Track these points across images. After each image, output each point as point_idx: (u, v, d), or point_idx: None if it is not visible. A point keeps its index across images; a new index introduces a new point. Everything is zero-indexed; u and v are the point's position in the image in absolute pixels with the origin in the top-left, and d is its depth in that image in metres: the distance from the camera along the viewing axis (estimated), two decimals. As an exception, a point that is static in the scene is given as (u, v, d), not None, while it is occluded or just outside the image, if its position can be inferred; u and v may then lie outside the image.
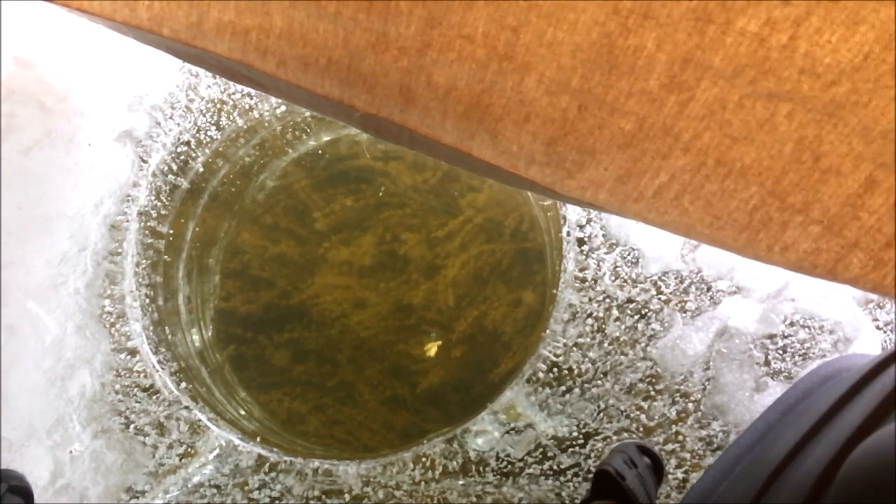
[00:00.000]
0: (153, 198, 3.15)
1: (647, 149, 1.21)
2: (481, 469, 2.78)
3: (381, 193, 3.37)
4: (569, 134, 1.25)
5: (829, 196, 1.15)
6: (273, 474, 2.82)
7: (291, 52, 1.37)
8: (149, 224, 3.14)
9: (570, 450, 2.76)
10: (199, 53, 1.49)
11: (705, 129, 1.16)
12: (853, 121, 1.09)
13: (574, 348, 2.84)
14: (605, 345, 2.83)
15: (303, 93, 1.44)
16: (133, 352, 2.95)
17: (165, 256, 3.22)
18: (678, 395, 2.77)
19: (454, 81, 1.27)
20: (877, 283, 1.19)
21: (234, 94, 3.25)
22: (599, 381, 2.80)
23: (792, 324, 2.80)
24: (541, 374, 2.83)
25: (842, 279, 1.22)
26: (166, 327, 3.15)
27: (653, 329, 2.83)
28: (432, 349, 3.20)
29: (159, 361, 2.98)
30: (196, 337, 3.30)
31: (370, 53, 1.30)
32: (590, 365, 2.82)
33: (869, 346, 2.78)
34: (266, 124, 3.35)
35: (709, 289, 2.86)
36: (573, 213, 2.97)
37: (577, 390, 2.81)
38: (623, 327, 2.85)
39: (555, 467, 2.76)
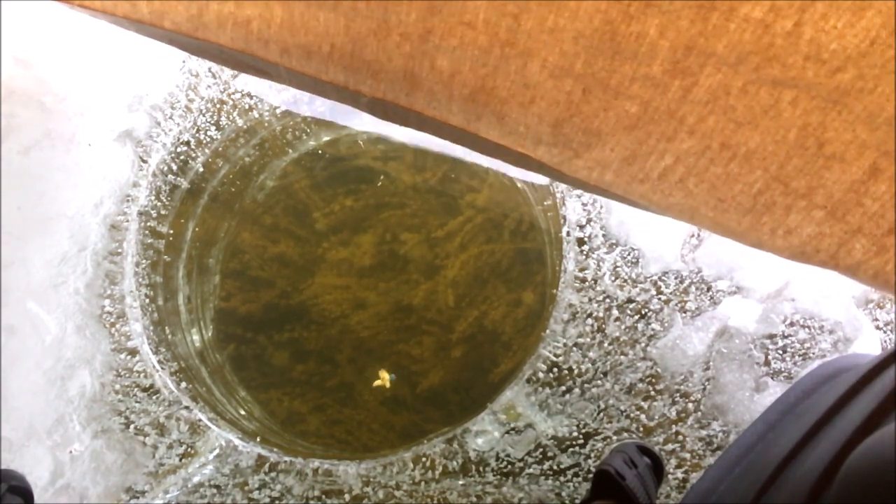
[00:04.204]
0: (153, 198, 3.15)
1: (652, 131, 1.22)
2: (481, 469, 2.77)
3: (379, 188, 3.37)
4: (574, 116, 1.25)
5: (833, 182, 1.15)
6: (273, 474, 2.82)
7: (294, 41, 1.38)
8: (149, 224, 3.14)
9: (570, 450, 2.76)
10: (203, 44, 1.49)
11: (710, 113, 1.16)
12: (858, 108, 1.10)
13: (574, 348, 2.84)
14: (605, 345, 2.83)
15: (308, 79, 1.44)
16: (133, 352, 2.95)
17: (165, 256, 3.22)
18: (678, 395, 2.77)
19: (458, 66, 1.28)
20: (878, 270, 1.19)
21: (233, 94, 3.26)
22: (599, 381, 2.80)
23: (792, 324, 2.80)
24: (541, 374, 2.83)
25: (843, 265, 1.22)
26: (166, 327, 3.15)
27: (653, 329, 2.83)
28: (384, 381, 3.20)
29: (159, 361, 2.97)
30: (196, 337, 3.30)
31: (372, 40, 1.31)
32: (590, 365, 2.82)
33: (869, 346, 2.78)
34: (266, 124, 3.35)
35: (709, 289, 2.86)
36: (573, 213, 2.97)
37: (577, 390, 2.81)
38: (623, 327, 2.85)
39: (555, 467, 2.75)
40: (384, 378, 3.18)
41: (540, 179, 3.18)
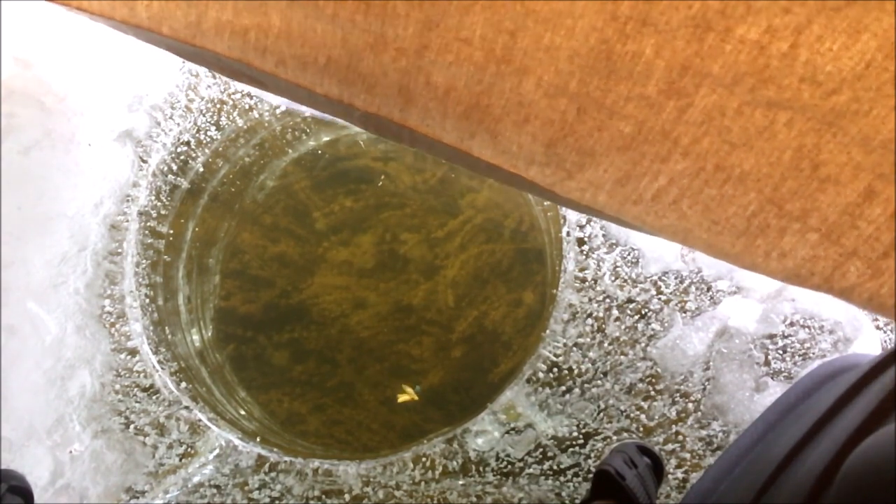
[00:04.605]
0: (153, 198, 3.15)
1: (646, 152, 1.22)
2: (481, 469, 2.78)
3: (379, 188, 3.37)
4: (568, 136, 1.25)
5: (828, 205, 1.15)
6: (273, 474, 2.83)
7: (290, 52, 1.38)
8: (149, 224, 3.14)
9: (570, 450, 2.77)
10: (200, 51, 1.49)
11: (704, 134, 1.16)
12: (853, 130, 1.09)
13: (574, 348, 2.84)
14: (605, 345, 2.83)
15: (302, 91, 1.44)
16: (133, 352, 2.95)
17: (165, 256, 3.22)
18: (678, 395, 2.77)
19: (453, 82, 1.28)
20: (873, 293, 1.19)
21: (234, 94, 3.25)
22: (599, 381, 2.81)
23: (792, 324, 2.80)
24: (541, 374, 2.83)
25: (838, 288, 1.22)
26: (166, 327, 3.15)
27: (653, 329, 2.83)
28: (406, 395, 3.19)
29: (159, 361, 2.98)
30: (196, 337, 3.30)
31: (369, 53, 1.31)
32: (590, 365, 2.82)
33: (869, 346, 2.78)
34: (266, 124, 3.34)
35: (709, 289, 2.86)
36: (573, 213, 2.96)
37: (577, 390, 2.81)
38: (623, 327, 2.85)
39: (555, 467, 2.76)
40: (409, 393, 3.18)
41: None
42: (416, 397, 3.16)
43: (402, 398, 3.17)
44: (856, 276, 1.19)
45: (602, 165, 1.27)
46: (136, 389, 2.92)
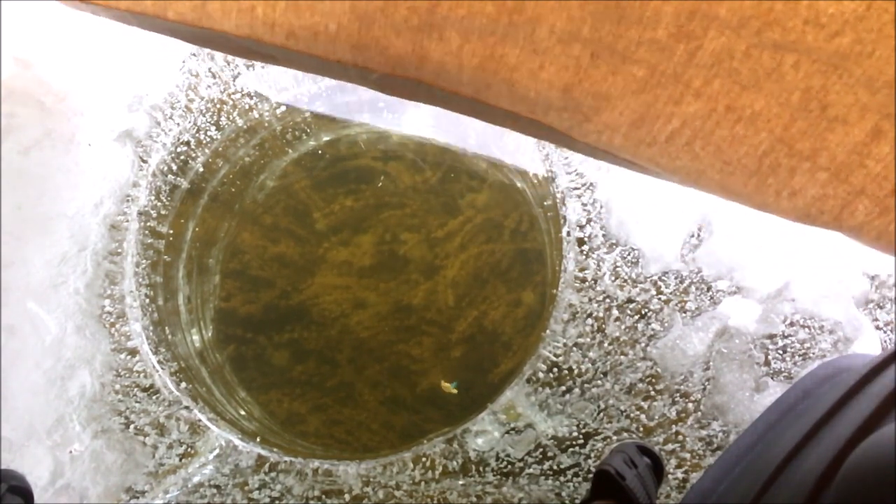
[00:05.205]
0: (153, 198, 3.16)
1: (659, 95, 1.23)
2: (481, 469, 2.77)
3: (379, 188, 3.37)
4: (583, 80, 1.27)
5: (836, 144, 1.16)
6: (273, 474, 2.82)
7: (299, 23, 1.39)
8: (149, 224, 3.14)
9: (570, 450, 2.76)
10: (207, 34, 1.50)
11: (715, 76, 1.17)
12: (857, 71, 1.11)
13: (574, 348, 2.84)
14: (605, 345, 2.83)
15: (315, 61, 1.45)
16: (133, 352, 2.94)
17: (165, 256, 3.22)
18: (678, 395, 2.77)
19: (467, 36, 1.29)
20: (881, 231, 1.20)
21: (233, 94, 3.27)
22: (599, 381, 2.80)
23: (792, 324, 2.80)
24: (541, 374, 2.83)
25: (847, 226, 1.23)
26: (166, 327, 3.15)
27: (653, 329, 2.84)
28: (448, 388, 3.18)
29: (159, 361, 2.97)
30: (196, 337, 3.30)
31: (380, 15, 1.32)
32: (590, 365, 2.82)
33: (869, 346, 2.78)
34: (266, 124, 3.36)
35: (709, 289, 2.87)
36: (573, 213, 2.97)
37: (577, 390, 2.80)
38: (623, 327, 2.85)
39: (555, 467, 2.75)
40: (448, 388, 3.17)
41: (539, 176, 3.19)
42: (454, 391, 3.15)
43: (445, 387, 3.16)
44: (864, 214, 1.20)
45: (618, 108, 1.28)
46: (136, 389, 2.91)
